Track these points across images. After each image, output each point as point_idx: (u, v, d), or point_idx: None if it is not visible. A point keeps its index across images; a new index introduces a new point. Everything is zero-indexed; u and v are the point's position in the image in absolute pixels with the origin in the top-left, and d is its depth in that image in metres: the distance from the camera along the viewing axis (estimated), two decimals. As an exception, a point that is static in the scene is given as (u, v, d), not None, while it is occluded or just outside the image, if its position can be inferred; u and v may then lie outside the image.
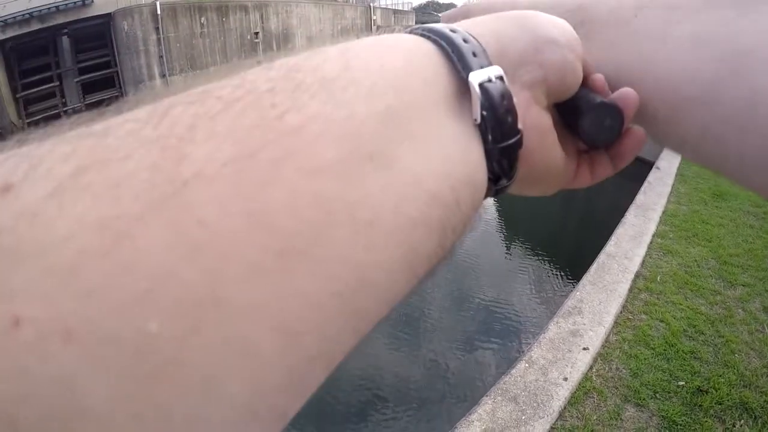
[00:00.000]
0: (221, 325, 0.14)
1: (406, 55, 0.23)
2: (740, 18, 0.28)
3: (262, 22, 22.51)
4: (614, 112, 0.29)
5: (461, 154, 0.22)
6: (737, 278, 4.22)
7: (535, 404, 2.85)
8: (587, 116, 0.29)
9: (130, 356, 0.13)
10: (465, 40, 0.24)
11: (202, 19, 20.12)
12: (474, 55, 0.24)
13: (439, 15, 0.50)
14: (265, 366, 0.15)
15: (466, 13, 0.46)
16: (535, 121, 0.27)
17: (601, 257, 4.47)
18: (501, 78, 0.24)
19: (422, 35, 0.25)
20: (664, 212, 5.49)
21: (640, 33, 0.32)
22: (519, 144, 0.24)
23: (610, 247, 4.65)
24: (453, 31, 0.25)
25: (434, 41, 0.24)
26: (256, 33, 22.23)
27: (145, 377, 0.13)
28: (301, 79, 0.19)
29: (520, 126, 0.24)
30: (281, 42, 23.61)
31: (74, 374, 0.12)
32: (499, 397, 2.91)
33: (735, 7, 0.28)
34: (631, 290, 4.01)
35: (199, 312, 0.14)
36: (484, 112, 0.23)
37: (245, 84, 0.18)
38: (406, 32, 0.26)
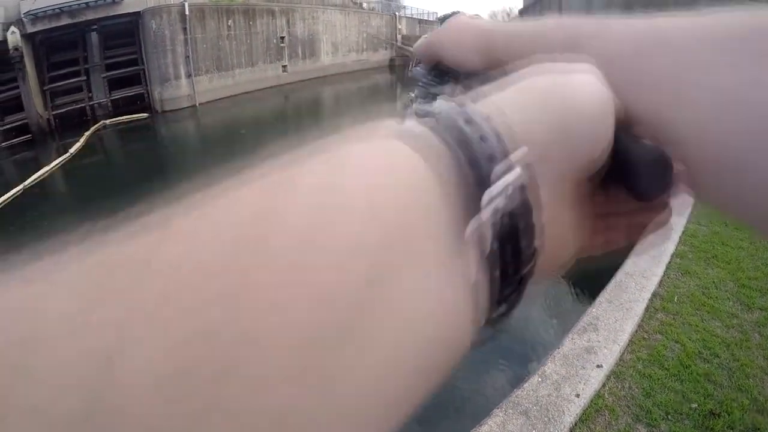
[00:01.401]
0: None
1: (406, 177, 0.19)
2: (764, 73, 0.25)
3: (288, 27, 22.80)
4: (668, 163, 0.26)
5: (461, 300, 0.20)
6: (755, 302, 4.16)
7: (546, 419, 2.85)
8: (644, 169, 0.26)
9: None
10: (482, 138, 0.21)
11: (230, 21, 20.42)
12: (491, 160, 0.20)
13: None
14: None
15: (431, 46, 0.43)
16: (557, 227, 0.24)
17: (619, 275, 4.44)
18: (522, 187, 0.21)
19: (432, 129, 0.21)
20: (683, 232, 5.44)
21: (646, 79, 0.29)
22: (531, 272, 0.22)
23: (628, 265, 4.62)
24: (468, 122, 0.21)
25: (445, 142, 0.21)
26: (282, 37, 22.51)
27: None
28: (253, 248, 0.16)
29: (536, 244, 0.21)
30: (306, 47, 23.86)
31: None
32: (511, 410, 2.91)
33: (754, 60, 0.26)
34: (647, 309, 3.98)
35: None
36: (496, 243, 0.20)
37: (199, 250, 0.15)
38: (411, 111, 0.23)
